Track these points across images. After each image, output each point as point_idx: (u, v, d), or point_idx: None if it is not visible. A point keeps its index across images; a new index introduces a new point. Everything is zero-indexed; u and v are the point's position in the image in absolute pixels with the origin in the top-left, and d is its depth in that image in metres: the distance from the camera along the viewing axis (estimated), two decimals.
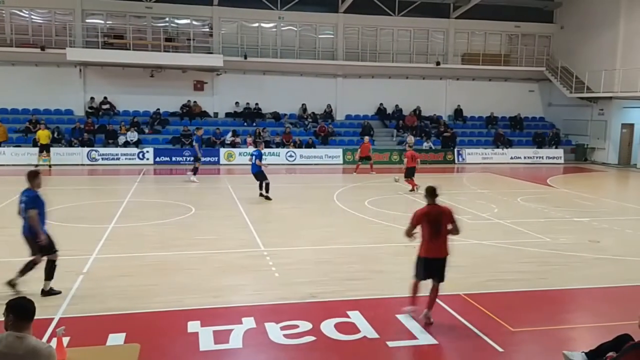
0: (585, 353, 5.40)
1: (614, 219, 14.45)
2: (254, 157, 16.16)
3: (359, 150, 23.13)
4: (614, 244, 11.45)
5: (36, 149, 23.34)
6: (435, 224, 6.73)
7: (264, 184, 16.14)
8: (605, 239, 11.85)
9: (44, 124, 24.20)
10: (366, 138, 23.98)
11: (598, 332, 6.50)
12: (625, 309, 7.27)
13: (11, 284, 7.63)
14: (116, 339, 6.22)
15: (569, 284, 8.79)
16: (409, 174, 17.92)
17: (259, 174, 16.16)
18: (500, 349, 6.21)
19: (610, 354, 5.02)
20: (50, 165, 23.05)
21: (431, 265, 6.81)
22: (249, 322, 6.80)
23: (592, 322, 7.33)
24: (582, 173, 25.54)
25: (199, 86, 28.65)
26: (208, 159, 25.17)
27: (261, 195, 16.14)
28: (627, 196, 20.41)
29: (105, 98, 27.24)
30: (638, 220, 14.46)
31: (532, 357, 6.26)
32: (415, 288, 7.05)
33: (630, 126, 27.88)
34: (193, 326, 6.66)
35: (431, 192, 6.98)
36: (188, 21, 28.59)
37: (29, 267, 7.63)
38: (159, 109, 27.75)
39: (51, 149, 23.62)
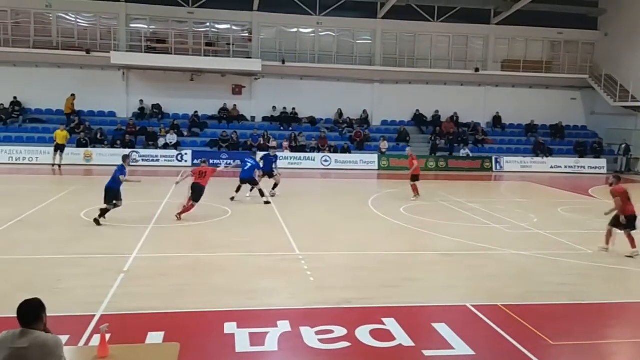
0: None
1: None
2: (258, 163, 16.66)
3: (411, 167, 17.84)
4: None
5: (80, 149, 24.00)
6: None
7: (255, 189, 16.33)
8: None
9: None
10: (408, 150, 19.57)
11: None
12: None
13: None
14: (155, 337, 6.35)
15: (610, 298, 8.54)
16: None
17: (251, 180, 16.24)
18: None
19: None
20: (59, 166, 22.92)
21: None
22: (284, 326, 6.84)
23: (634, 337, 7.10)
24: (626, 184, 24.73)
25: (237, 90, 29.04)
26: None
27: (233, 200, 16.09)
28: None
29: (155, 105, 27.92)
30: None
31: None
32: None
33: None
34: (230, 327, 6.74)
35: None
36: (228, 26, 29.03)
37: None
38: (197, 112, 28.23)
39: (93, 149, 24.29)
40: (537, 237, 12.68)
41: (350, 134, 28.65)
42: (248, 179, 16.29)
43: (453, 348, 6.39)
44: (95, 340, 5.89)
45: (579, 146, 29.47)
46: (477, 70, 29.66)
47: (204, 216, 13.58)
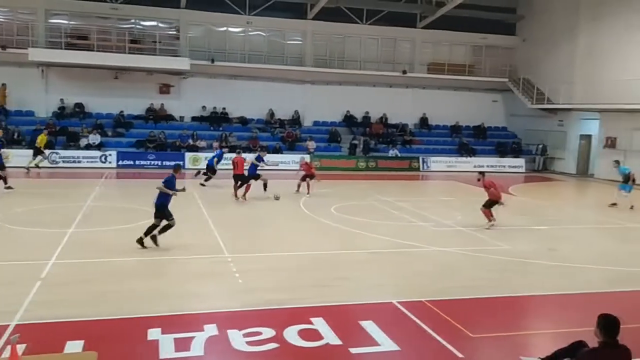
0: (542, 359, 5.53)
1: (572, 227, 14.91)
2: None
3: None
4: (572, 252, 11.77)
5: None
6: None
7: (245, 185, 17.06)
8: (563, 247, 12.18)
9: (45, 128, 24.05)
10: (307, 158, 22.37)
11: (555, 338, 6.66)
12: (582, 316, 7.45)
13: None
14: (74, 346, 6.07)
15: (527, 291, 9.00)
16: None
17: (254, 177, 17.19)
18: (460, 355, 6.31)
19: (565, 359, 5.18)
20: (37, 166, 22.53)
21: None
22: (211, 330, 6.73)
23: (549, 329, 7.51)
24: (542, 182, 26.20)
25: (164, 89, 28.32)
26: (173, 162, 24.79)
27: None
28: (584, 205, 21.05)
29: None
30: (595, 229, 14.93)
31: None
32: None
33: (588, 137, 28.77)
34: (153, 333, 6.55)
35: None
36: (154, 23, 28.26)
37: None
38: (122, 112, 27.30)
39: (10, 150, 22.95)
40: (460, 234, 13.16)
41: (282, 134, 28.63)
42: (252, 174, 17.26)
43: (379, 345, 6.52)
44: (7, 352, 5.55)
45: (499, 146, 30.91)
46: (404, 72, 30.43)
47: (128, 219, 13.13)
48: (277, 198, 16.52)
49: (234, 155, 18.32)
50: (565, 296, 8.77)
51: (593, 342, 4.89)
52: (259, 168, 17.68)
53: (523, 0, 31.91)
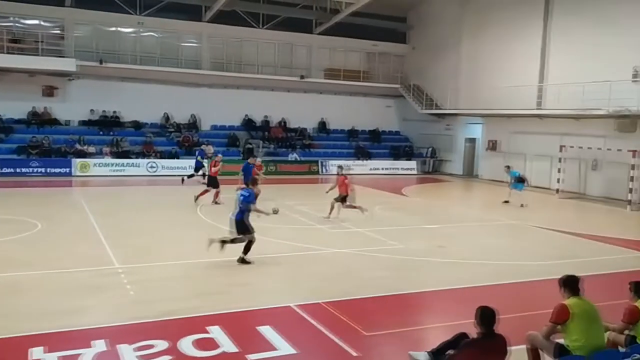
0: (429, 352, 5.81)
1: (459, 225, 15.82)
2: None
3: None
4: (459, 249, 12.49)
5: None
6: None
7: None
8: (451, 244, 12.89)
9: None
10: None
11: (444, 331, 6.99)
12: (468, 309, 7.86)
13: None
14: None
15: (419, 287, 9.44)
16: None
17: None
18: (354, 354, 6.47)
19: (450, 351, 5.46)
20: None
21: None
22: (99, 345, 6.37)
23: (438, 323, 7.92)
24: (432, 183, 27.60)
25: (48, 92, 26.51)
26: (59, 170, 23.40)
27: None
28: (470, 204, 22.48)
29: None
30: (480, 226, 15.96)
31: (383, 359, 6.61)
32: None
33: (473, 140, 30.74)
34: (36, 353, 6.12)
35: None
36: (37, 22, 26.39)
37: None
38: (1, 116, 25.22)
39: None
40: (357, 235, 13.52)
41: (179, 138, 27.86)
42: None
43: (277, 349, 6.52)
44: None
45: (393, 150, 32.21)
46: (302, 77, 30.79)
47: (8, 232, 12.12)
48: (275, 212, 14.22)
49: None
50: (453, 290, 9.26)
51: (474, 332, 5.22)
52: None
53: (413, 10, 33.49)
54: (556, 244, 13.34)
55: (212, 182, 17.36)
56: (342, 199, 15.10)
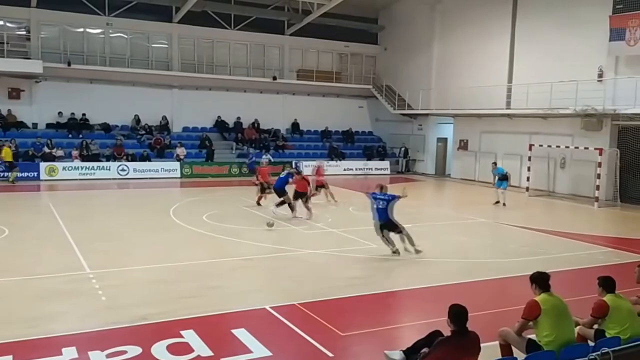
0: (403, 351, 5.85)
1: (432, 224, 15.98)
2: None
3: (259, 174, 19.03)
4: (432, 247, 12.58)
5: None
6: None
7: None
8: (424, 243, 12.96)
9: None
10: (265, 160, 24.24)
11: (418, 329, 7.04)
12: (441, 307, 7.95)
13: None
14: None
15: (393, 287, 9.50)
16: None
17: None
18: (330, 354, 6.47)
19: (424, 350, 5.51)
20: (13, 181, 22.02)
21: None
22: (70, 353, 6.24)
23: (412, 321, 7.98)
24: (405, 183, 27.79)
25: (14, 94, 25.87)
26: (26, 174, 22.85)
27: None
28: (442, 203, 22.74)
29: None
30: (452, 225, 16.14)
31: (359, 358, 6.63)
32: None
33: (444, 140, 31.09)
34: None
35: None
36: (1, 23, 25.72)
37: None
38: None
39: None
40: (331, 236, 13.54)
41: (150, 141, 27.49)
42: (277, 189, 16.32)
43: (251, 352, 6.48)
44: None
45: (366, 150, 32.35)
46: (274, 78, 30.70)
47: None
48: (270, 225, 14.30)
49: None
50: (426, 289, 9.35)
51: (447, 330, 5.27)
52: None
53: (384, 11, 33.74)
54: (526, 241, 13.59)
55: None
56: (300, 196, 15.87)
